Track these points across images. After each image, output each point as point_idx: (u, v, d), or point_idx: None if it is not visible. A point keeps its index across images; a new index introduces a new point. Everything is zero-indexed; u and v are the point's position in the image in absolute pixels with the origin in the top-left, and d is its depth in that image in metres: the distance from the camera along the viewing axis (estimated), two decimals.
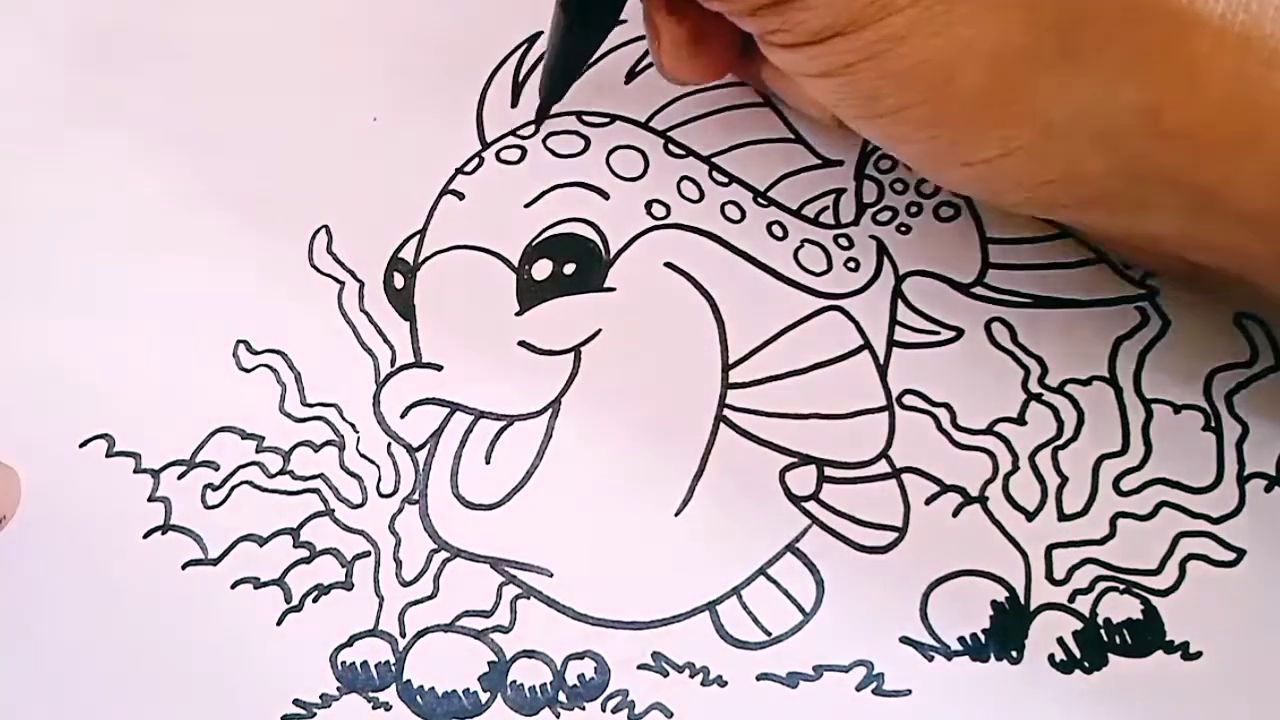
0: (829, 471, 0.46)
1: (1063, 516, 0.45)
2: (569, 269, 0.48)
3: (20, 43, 0.55)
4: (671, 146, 0.50)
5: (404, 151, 0.51)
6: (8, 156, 0.53)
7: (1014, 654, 0.44)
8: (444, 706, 0.45)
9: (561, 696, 0.45)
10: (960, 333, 0.47)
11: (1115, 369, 0.46)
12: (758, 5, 0.38)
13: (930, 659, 0.44)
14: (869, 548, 0.45)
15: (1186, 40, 0.35)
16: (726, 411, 0.47)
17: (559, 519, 0.46)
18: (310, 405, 0.48)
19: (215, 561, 0.47)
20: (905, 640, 0.44)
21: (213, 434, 0.48)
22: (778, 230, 0.49)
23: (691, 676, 0.44)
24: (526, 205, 0.49)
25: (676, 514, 0.46)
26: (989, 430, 0.46)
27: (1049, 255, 0.48)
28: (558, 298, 0.48)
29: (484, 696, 0.45)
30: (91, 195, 0.52)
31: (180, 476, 0.48)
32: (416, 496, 0.47)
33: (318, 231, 0.50)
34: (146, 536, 0.47)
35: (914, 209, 0.49)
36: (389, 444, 0.48)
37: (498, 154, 0.50)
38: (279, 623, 0.46)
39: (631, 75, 0.51)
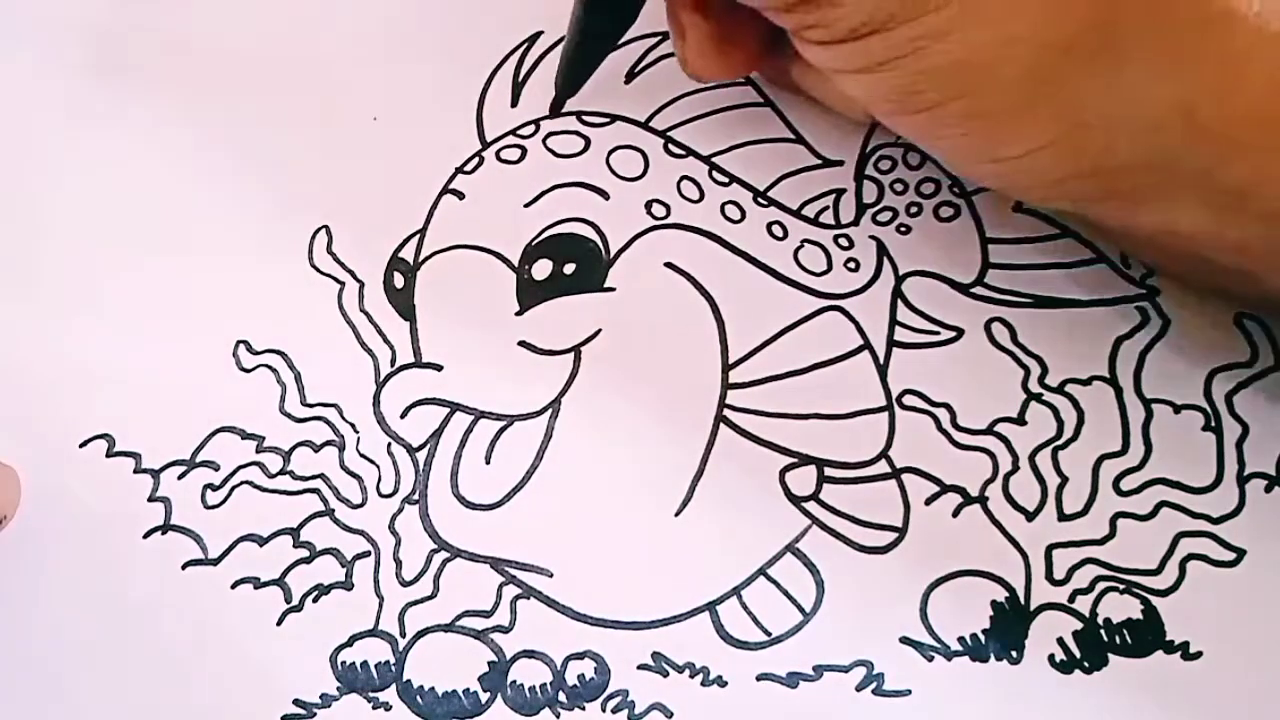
0: (829, 471, 0.46)
1: (1063, 516, 0.45)
2: (569, 269, 0.48)
3: (20, 44, 0.55)
4: (671, 146, 0.50)
5: (404, 151, 0.51)
6: (7, 157, 0.53)
7: (1014, 654, 0.44)
8: (444, 706, 0.45)
9: (561, 696, 0.45)
10: (960, 333, 0.47)
11: (1115, 369, 0.46)
12: (793, 1, 0.38)
13: (930, 659, 0.44)
14: (869, 548, 0.45)
15: (1225, 38, 0.35)
16: (726, 411, 0.47)
17: (559, 519, 0.46)
18: (310, 405, 0.48)
19: (215, 561, 0.47)
20: (905, 640, 0.44)
21: (213, 434, 0.48)
22: (778, 230, 0.49)
23: (691, 676, 0.44)
24: (526, 205, 0.49)
25: (676, 514, 0.46)
26: (989, 430, 0.46)
27: (1049, 255, 0.48)
28: (558, 298, 0.48)
29: (484, 696, 0.45)
30: (91, 195, 0.52)
31: (180, 476, 0.48)
32: (416, 496, 0.47)
33: (318, 231, 0.50)
34: (146, 536, 0.47)
35: (914, 209, 0.49)
36: (389, 444, 0.48)
37: (498, 154, 0.50)
38: (279, 623, 0.46)
39: (631, 75, 0.51)
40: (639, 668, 0.45)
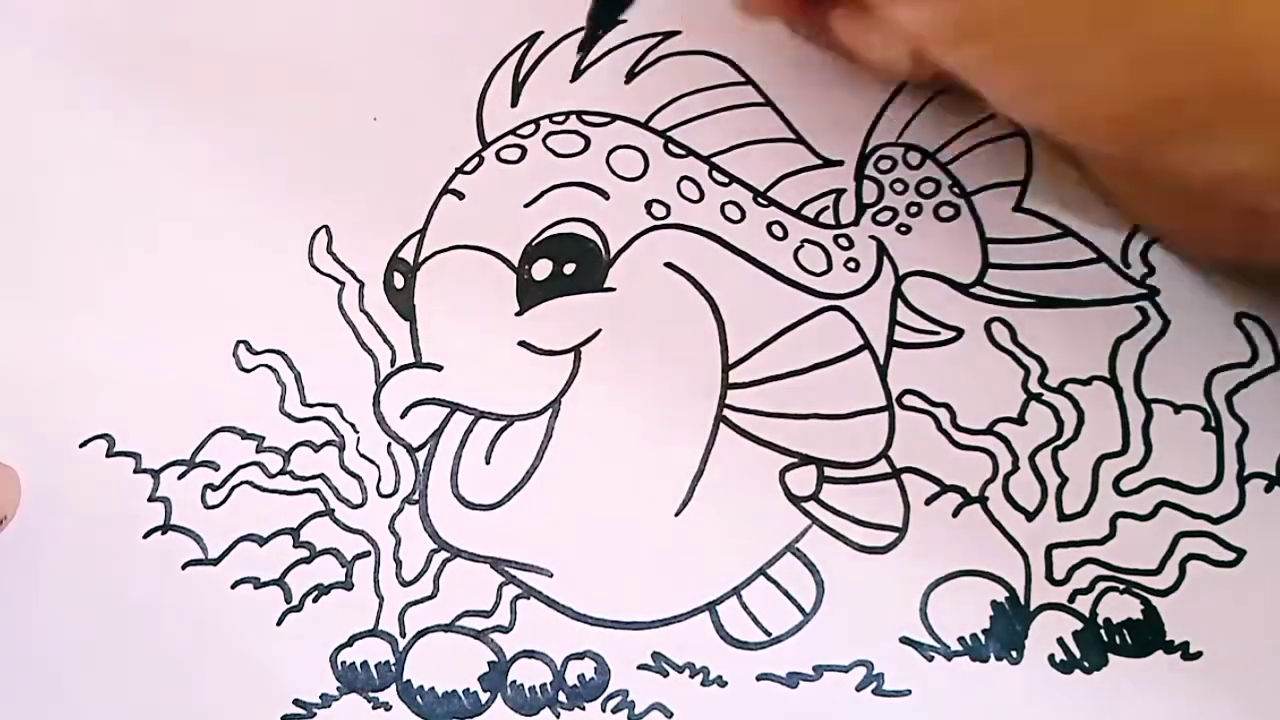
0: (829, 471, 0.46)
1: (1063, 516, 0.45)
2: (569, 269, 0.48)
3: (19, 44, 0.55)
4: (671, 146, 0.50)
5: (404, 151, 0.51)
6: (6, 157, 0.53)
7: (1014, 654, 0.44)
8: (444, 706, 0.45)
9: (561, 696, 0.45)
10: (960, 333, 0.47)
11: (1115, 369, 0.46)
12: None
13: (930, 659, 0.44)
14: (869, 548, 0.45)
15: None
16: (726, 411, 0.47)
17: (559, 519, 0.46)
18: (310, 405, 0.48)
19: (215, 561, 0.47)
20: (905, 640, 0.44)
21: (213, 434, 0.48)
22: (778, 230, 0.49)
23: (691, 676, 0.44)
24: (526, 205, 0.49)
25: (676, 514, 0.46)
26: (989, 430, 0.46)
27: (1049, 255, 0.48)
28: (558, 298, 0.48)
29: (484, 696, 0.45)
30: (91, 195, 0.52)
31: (180, 476, 0.48)
32: (416, 496, 0.47)
33: (318, 231, 0.50)
34: (146, 536, 0.47)
35: (914, 209, 0.49)
36: (389, 444, 0.48)
37: (498, 154, 0.50)
38: (279, 623, 0.46)
39: (631, 75, 0.51)
40: (639, 668, 0.45)
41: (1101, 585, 0.45)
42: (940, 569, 0.45)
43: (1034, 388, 0.46)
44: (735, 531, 0.46)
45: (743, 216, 0.49)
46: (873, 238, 0.49)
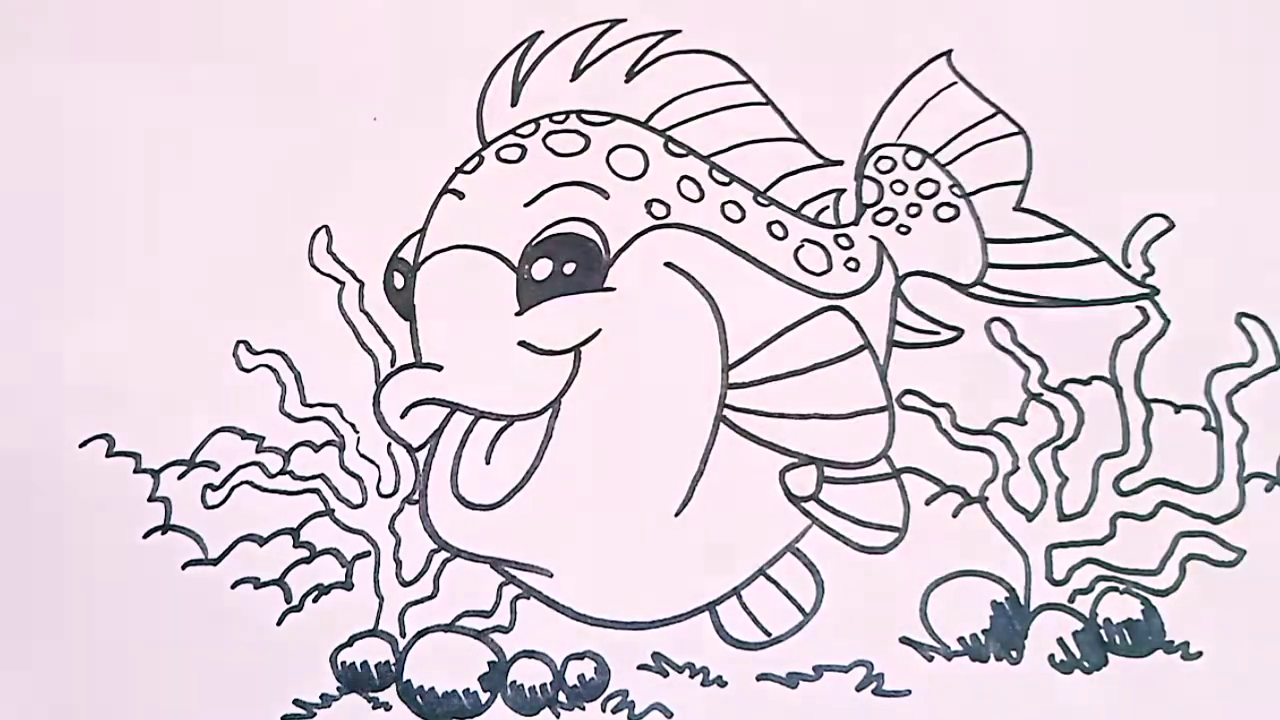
0: (829, 471, 0.46)
1: (1063, 516, 0.45)
2: (569, 269, 0.48)
3: (18, 42, 0.55)
4: (671, 146, 0.50)
5: (404, 151, 0.51)
6: (6, 158, 0.53)
7: (1014, 654, 0.44)
8: (444, 706, 0.45)
9: (561, 696, 0.45)
10: (960, 333, 0.47)
11: (1115, 369, 0.47)
12: None
13: (930, 659, 0.44)
14: (869, 548, 0.45)
15: None
16: (726, 411, 0.47)
17: (559, 519, 0.46)
18: (310, 405, 0.48)
19: (215, 561, 0.47)
20: (905, 640, 0.44)
21: (213, 434, 0.48)
22: (778, 230, 0.49)
23: (691, 676, 0.44)
24: (526, 205, 0.49)
25: (676, 514, 0.46)
26: (989, 430, 0.46)
27: (1049, 255, 0.48)
28: (558, 298, 0.48)
29: (484, 696, 0.45)
30: (91, 195, 0.52)
31: (180, 476, 0.48)
32: (416, 496, 0.47)
33: (318, 231, 0.50)
34: (146, 536, 0.47)
35: (914, 209, 0.49)
36: (389, 444, 0.48)
37: (498, 153, 0.50)
38: (279, 623, 0.46)
39: (631, 75, 0.51)
40: (639, 668, 0.45)
41: (1101, 585, 0.45)
42: (940, 569, 0.45)
43: (1034, 388, 0.46)
44: (735, 531, 0.46)
45: (743, 216, 0.49)
46: (873, 238, 0.49)
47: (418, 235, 0.50)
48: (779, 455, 0.46)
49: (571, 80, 0.51)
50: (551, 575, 0.46)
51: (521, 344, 0.48)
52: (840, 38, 0.51)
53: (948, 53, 0.50)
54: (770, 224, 0.49)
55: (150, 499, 0.48)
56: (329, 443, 0.48)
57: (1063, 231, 0.48)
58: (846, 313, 0.47)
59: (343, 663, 0.45)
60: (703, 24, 0.51)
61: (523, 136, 0.51)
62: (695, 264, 0.48)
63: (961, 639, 0.44)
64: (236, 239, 0.51)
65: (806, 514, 0.45)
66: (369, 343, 0.49)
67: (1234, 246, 0.48)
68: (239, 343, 0.49)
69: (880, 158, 0.49)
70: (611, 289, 0.48)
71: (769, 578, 0.45)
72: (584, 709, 0.44)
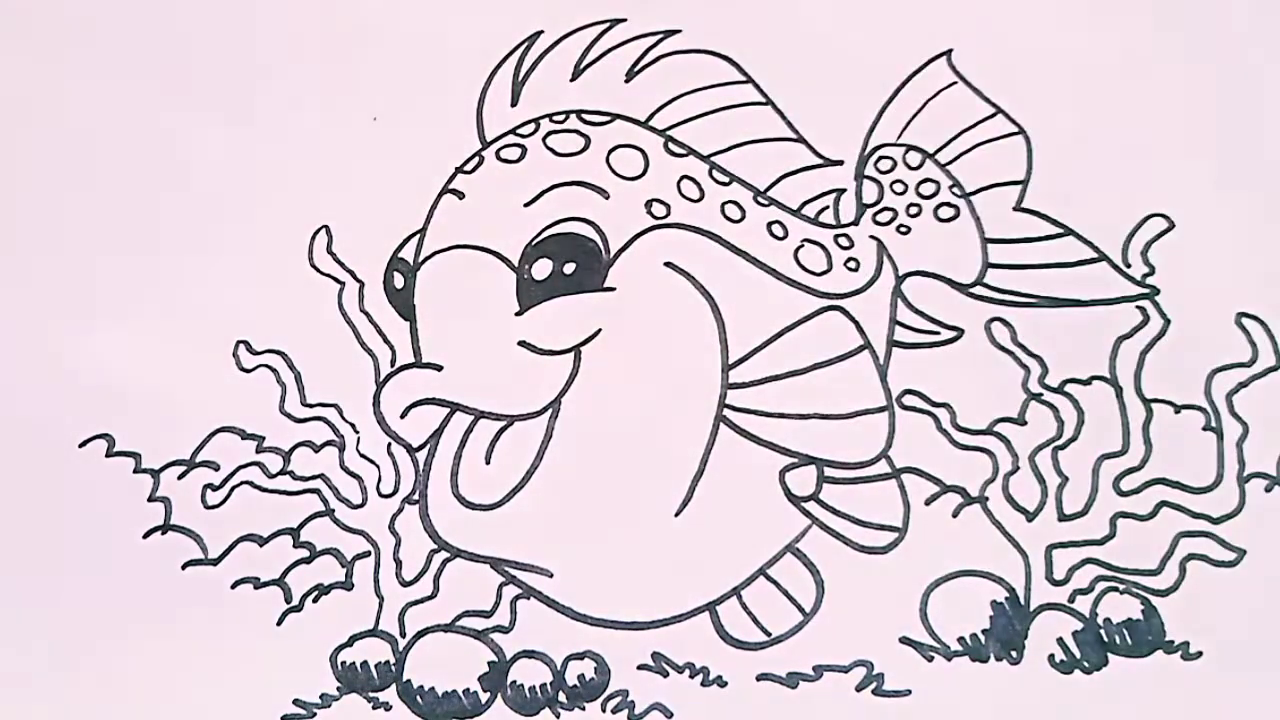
0: (829, 471, 0.46)
1: (1063, 516, 0.45)
2: (569, 269, 0.48)
3: (16, 42, 0.55)
4: (671, 145, 0.50)
5: (404, 151, 0.51)
6: (5, 159, 0.53)
7: (1014, 654, 0.44)
8: (444, 706, 0.45)
9: (561, 696, 0.45)
10: (960, 333, 0.47)
11: (1115, 369, 0.47)
12: None
13: (930, 659, 0.44)
14: (869, 548, 0.45)
15: None
16: (726, 411, 0.47)
17: (559, 519, 0.46)
18: (310, 405, 0.48)
19: (215, 561, 0.47)
20: (905, 640, 0.44)
21: (213, 434, 0.48)
22: (778, 230, 0.49)
23: (691, 676, 0.45)
24: (526, 204, 0.49)
25: (676, 514, 0.46)
26: (989, 430, 0.46)
27: (1049, 255, 0.48)
28: (558, 298, 0.48)
29: (484, 696, 0.45)
30: (91, 196, 0.52)
31: (180, 476, 0.48)
32: (416, 496, 0.47)
33: (318, 231, 0.50)
34: (146, 536, 0.47)
35: (914, 209, 0.49)
36: (389, 444, 0.48)
37: (498, 153, 0.50)
38: (279, 623, 0.46)
39: (631, 74, 0.51)
40: (639, 668, 0.45)
41: (1101, 585, 0.45)
42: (940, 569, 0.45)
43: (1034, 388, 0.46)
44: (735, 531, 0.46)
45: (743, 216, 0.49)
46: (873, 238, 0.49)
47: (418, 235, 0.50)
48: (779, 455, 0.46)
49: (571, 80, 0.51)
50: (551, 575, 0.46)
51: (521, 344, 0.48)
52: (840, 37, 0.51)
53: (948, 53, 0.50)
54: (770, 224, 0.49)
55: (150, 499, 0.48)
56: (329, 443, 0.48)
57: (1063, 231, 0.48)
58: (846, 313, 0.47)
59: (343, 663, 0.45)
60: (703, 24, 0.51)
61: (523, 136, 0.51)
62: (695, 264, 0.48)
63: (961, 639, 0.44)
64: (236, 239, 0.51)
65: (806, 514, 0.46)
66: (369, 343, 0.49)
67: (1234, 246, 0.48)
68: (239, 343, 0.49)
69: (880, 158, 0.49)
70: (611, 289, 0.48)
71: (769, 578, 0.45)
72: (584, 709, 0.44)
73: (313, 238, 0.50)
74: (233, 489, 0.48)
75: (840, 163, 0.50)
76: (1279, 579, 0.44)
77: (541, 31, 0.52)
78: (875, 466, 0.46)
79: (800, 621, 0.45)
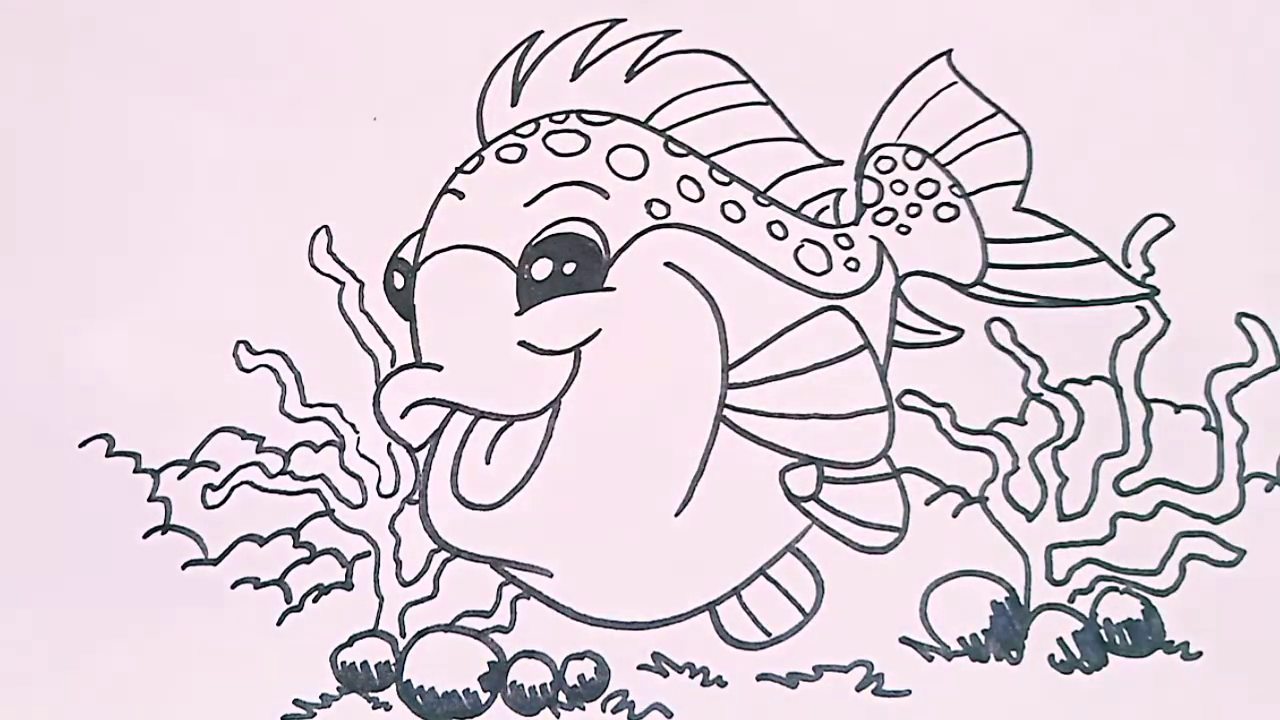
0: (829, 471, 0.46)
1: (1063, 516, 0.45)
2: (569, 269, 0.48)
3: (13, 43, 0.55)
4: (671, 145, 0.50)
5: (404, 151, 0.51)
6: (4, 159, 0.53)
7: (1014, 654, 0.44)
8: (444, 706, 0.45)
9: (561, 696, 0.45)
10: (960, 333, 0.47)
11: (1115, 369, 0.47)
12: None
13: (930, 659, 0.44)
14: (869, 548, 0.45)
15: None
16: (726, 411, 0.47)
17: (559, 519, 0.46)
18: (310, 405, 0.48)
19: (215, 561, 0.47)
20: (905, 640, 0.44)
21: (213, 434, 0.48)
22: (778, 230, 0.49)
23: (691, 677, 0.45)
24: (526, 204, 0.49)
25: (676, 514, 0.46)
26: (989, 430, 0.46)
27: (1049, 255, 0.48)
28: (558, 298, 0.48)
29: (484, 696, 0.45)
30: (90, 196, 0.52)
31: (180, 476, 0.48)
32: (416, 496, 0.47)
33: (318, 231, 0.50)
34: (146, 536, 0.47)
35: (914, 209, 0.49)
36: (389, 444, 0.48)
37: (498, 153, 0.50)
38: (279, 623, 0.46)
39: (631, 74, 0.51)
40: (639, 668, 0.45)
41: (1101, 585, 0.45)
42: (940, 569, 0.45)
43: (1034, 388, 0.46)
44: (735, 531, 0.46)
45: (743, 216, 0.49)
46: (873, 237, 0.49)
47: (418, 235, 0.50)
48: (779, 455, 0.46)
49: (571, 80, 0.51)
50: (551, 575, 0.46)
51: (521, 344, 0.48)
52: (840, 37, 0.51)
53: (948, 53, 0.50)
54: (770, 224, 0.49)
55: (150, 499, 0.48)
56: (329, 443, 0.48)
57: (1063, 231, 0.48)
58: (846, 313, 0.47)
59: (343, 663, 0.45)
60: (703, 24, 0.51)
61: (523, 136, 0.51)
62: (695, 264, 0.48)
63: (961, 639, 0.44)
64: (236, 239, 0.51)
65: (806, 514, 0.46)
66: (369, 343, 0.49)
67: (1234, 246, 0.48)
68: (239, 343, 0.49)
69: (880, 158, 0.49)
70: (611, 289, 0.48)
71: (769, 578, 0.45)
72: (584, 709, 0.44)
73: (313, 238, 0.50)
74: (233, 489, 0.48)
75: (840, 163, 0.50)
76: (1279, 579, 0.44)
77: (541, 31, 0.52)
78: (875, 466, 0.46)
79: (800, 621, 0.45)
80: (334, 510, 0.47)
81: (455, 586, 0.46)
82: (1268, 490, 0.45)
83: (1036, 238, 0.48)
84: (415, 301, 0.49)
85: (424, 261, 0.49)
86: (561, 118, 0.51)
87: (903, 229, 0.48)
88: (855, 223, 0.49)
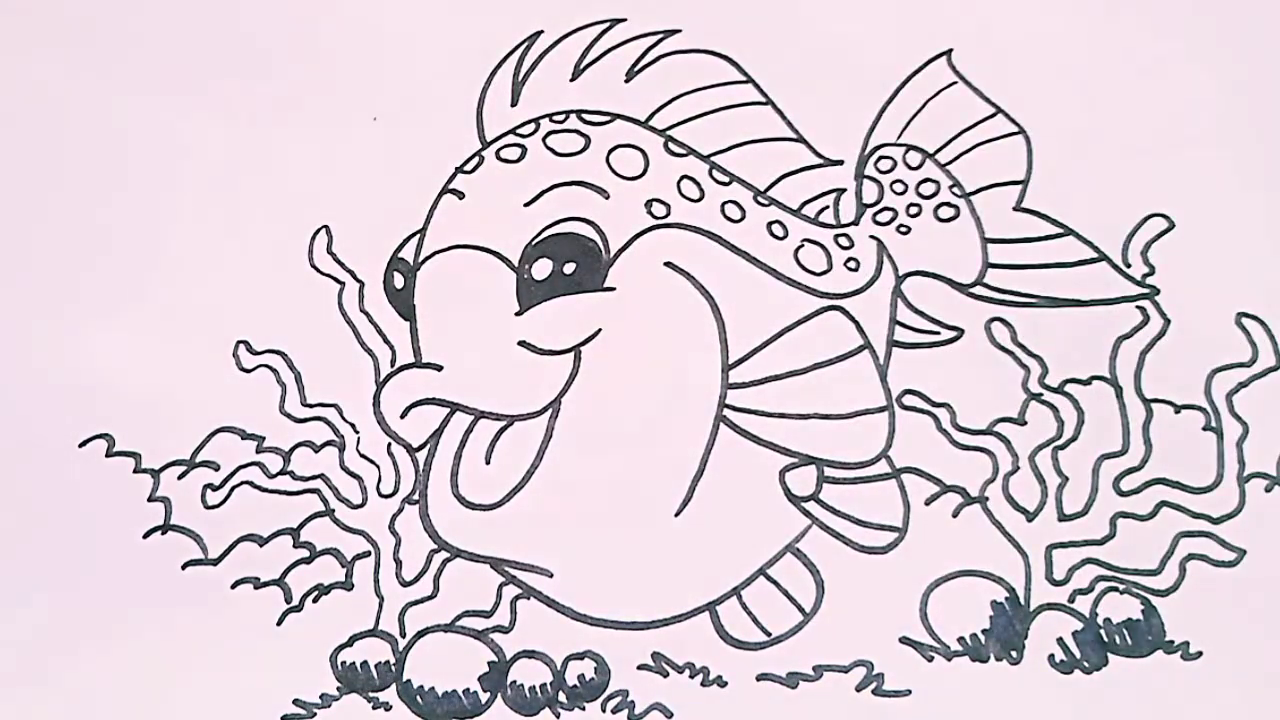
0: (829, 471, 0.46)
1: (1063, 516, 0.45)
2: (569, 269, 0.48)
3: (13, 43, 0.55)
4: (671, 145, 0.50)
5: (404, 151, 0.51)
6: (4, 159, 0.53)
7: (1014, 654, 0.44)
8: (444, 706, 0.45)
9: (561, 696, 0.45)
10: (960, 333, 0.47)
11: (1115, 369, 0.47)
12: None
13: (930, 659, 0.44)
14: (869, 548, 0.45)
15: None
16: (726, 411, 0.47)
17: (559, 519, 0.46)
18: (310, 405, 0.48)
19: (215, 561, 0.47)
20: (905, 640, 0.44)
21: (213, 434, 0.48)
22: (778, 230, 0.49)
23: (691, 676, 0.45)
24: (526, 204, 0.49)
25: (676, 514, 0.46)
26: (989, 430, 0.46)
27: (1049, 255, 0.48)
28: (558, 298, 0.48)
29: (484, 696, 0.45)
30: (90, 196, 0.52)
31: (180, 476, 0.48)
32: (416, 496, 0.47)
33: (318, 232, 0.50)
34: (146, 536, 0.47)
35: (914, 209, 0.49)
36: (389, 444, 0.48)
37: (498, 153, 0.50)
38: (279, 623, 0.46)
39: (631, 74, 0.51)
40: (639, 668, 0.45)
41: (1101, 585, 0.45)
42: (940, 569, 0.45)
43: (1034, 388, 0.46)
44: (735, 531, 0.46)
45: (743, 216, 0.49)
46: (873, 237, 0.49)
47: (418, 235, 0.50)
48: (779, 455, 0.46)
49: (571, 80, 0.51)
50: (551, 575, 0.46)
51: (521, 344, 0.48)
52: (840, 37, 0.51)
53: (948, 53, 0.50)
54: (770, 224, 0.49)
55: (150, 499, 0.48)
56: (329, 443, 0.48)
57: (1063, 231, 0.48)
58: (846, 313, 0.47)
59: (343, 663, 0.45)
60: (703, 24, 0.51)
61: (523, 136, 0.51)
62: (695, 264, 0.48)
63: (961, 639, 0.44)
64: (236, 239, 0.51)
65: (806, 514, 0.46)
66: (369, 343, 0.49)
67: (1234, 246, 0.48)
68: (239, 343, 0.49)
69: (880, 158, 0.49)
70: (611, 289, 0.48)
71: (769, 578, 0.45)
72: (584, 709, 0.44)
73: (313, 238, 0.50)
74: (233, 489, 0.48)
75: (840, 163, 0.50)
76: (1279, 579, 0.44)
77: (541, 31, 0.52)
78: (875, 466, 0.46)
79: (800, 621, 0.45)
80: (334, 510, 0.47)
81: (455, 586, 0.46)
82: (1268, 490, 0.45)
83: (1036, 238, 0.48)
84: (415, 301, 0.49)
85: (424, 261, 0.49)
86: (561, 118, 0.51)
87: (903, 229, 0.48)
88: (855, 223, 0.49)
